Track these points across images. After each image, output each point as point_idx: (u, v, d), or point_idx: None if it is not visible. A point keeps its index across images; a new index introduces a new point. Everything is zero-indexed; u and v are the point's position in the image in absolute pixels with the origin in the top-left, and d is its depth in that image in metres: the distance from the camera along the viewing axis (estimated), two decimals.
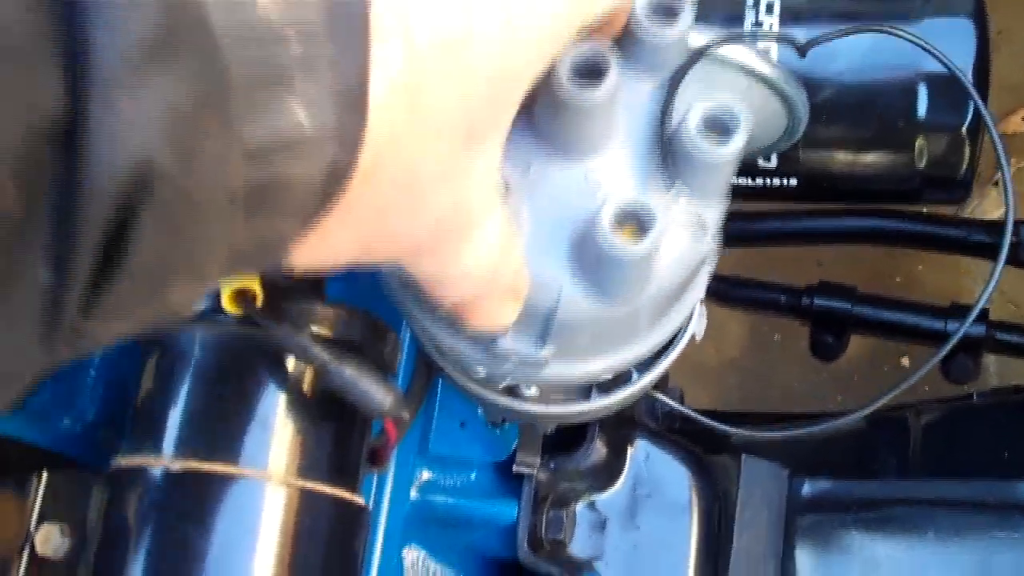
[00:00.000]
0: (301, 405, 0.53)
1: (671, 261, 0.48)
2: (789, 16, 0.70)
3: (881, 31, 0.66)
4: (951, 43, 0.70)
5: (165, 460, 0.52)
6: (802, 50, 0.59)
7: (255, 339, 0.52)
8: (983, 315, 0.93)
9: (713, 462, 0.75)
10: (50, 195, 0.26)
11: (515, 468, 0.69)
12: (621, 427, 0.74)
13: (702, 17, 0.69)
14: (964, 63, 0.70)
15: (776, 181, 0.75)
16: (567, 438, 0.72)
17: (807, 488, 0.75)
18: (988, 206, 1.61)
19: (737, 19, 0.70)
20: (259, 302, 0.50)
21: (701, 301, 0.57)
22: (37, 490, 0.55)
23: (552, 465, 0.72)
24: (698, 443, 0.76)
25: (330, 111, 0.30)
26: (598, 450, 0.73)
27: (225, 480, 0.51)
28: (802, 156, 0.73)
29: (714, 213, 0.48)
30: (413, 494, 0.71)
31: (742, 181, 0.75)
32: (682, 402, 0.79)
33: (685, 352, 0.57)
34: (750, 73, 0.57)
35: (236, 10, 0.28)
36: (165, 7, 0.26)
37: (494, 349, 0.49)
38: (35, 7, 0.24)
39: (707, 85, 0.54)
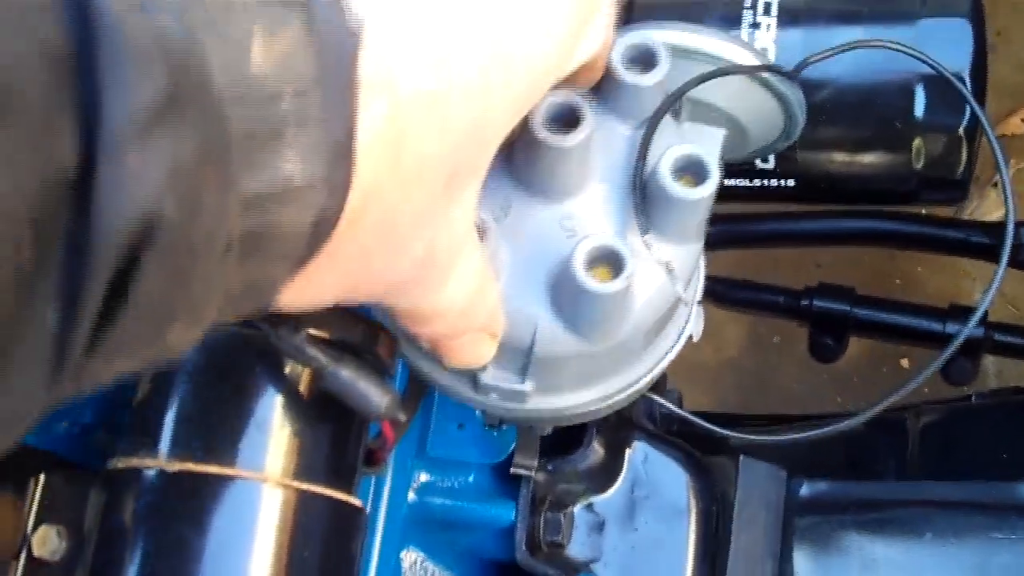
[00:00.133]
0: (298, 407, 0.53)
1: (647, 300, 0.49)
2: (787, 16, 0.70)
3: (872, 47, 0.66)
4: (948, 44, 0.70)
5: (162, 462, 0.52)
6: (792, 74, 0.60)
7: (251, 340, 0.52)
8: (982, 317, 0.94)
9: (711, 463, 0.75)
10: (60, 243, 0.27)
11: (513, 470, 0.69)
12: (619, 429, 0.74)
13: (699, 17, 0.69)
14: (961, 64, 0.70)
15: (774, 182, 0.75)
16: (565, 440, 0.72)
17: (805, 489, 0.75)
18: (987, 208, 1.61)
19: (735, 19, 0.70)
20: None
21: (699, 302, 0.57)
22: (34, 492, 0.55)
23: (550, 467, 0.72)
24: (696, 444, 0.76)
25: (320, 162, 0.32)
26: (596, 452, 0.73)
27: (222, 482, 0.51)
28: (799, 157, 0.73)
29: (688, 254, 0.50)
30: (411, 496, 0.71)
31: (739, 182, 0.75)
32: (680, 404, 0.79)
33: (683, 354, 0.57)
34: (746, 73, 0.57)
35: (234, 70, 0.30)
36: (172, 69, 0.28)
37: (477, 382, 0.51)
38: (51, 67, 0.26)
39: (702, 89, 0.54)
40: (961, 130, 0.71)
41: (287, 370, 0.53)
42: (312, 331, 0.50)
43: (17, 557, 0.54)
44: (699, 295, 0.57)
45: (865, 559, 0.73)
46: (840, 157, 0.73)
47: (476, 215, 0.44)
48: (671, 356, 0.56)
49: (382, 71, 0.34)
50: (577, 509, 0.72)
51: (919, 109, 0.70)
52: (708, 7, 0.71)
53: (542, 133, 0.46)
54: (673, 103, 0.51)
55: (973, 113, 0.69)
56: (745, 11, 0.70)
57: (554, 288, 0.48)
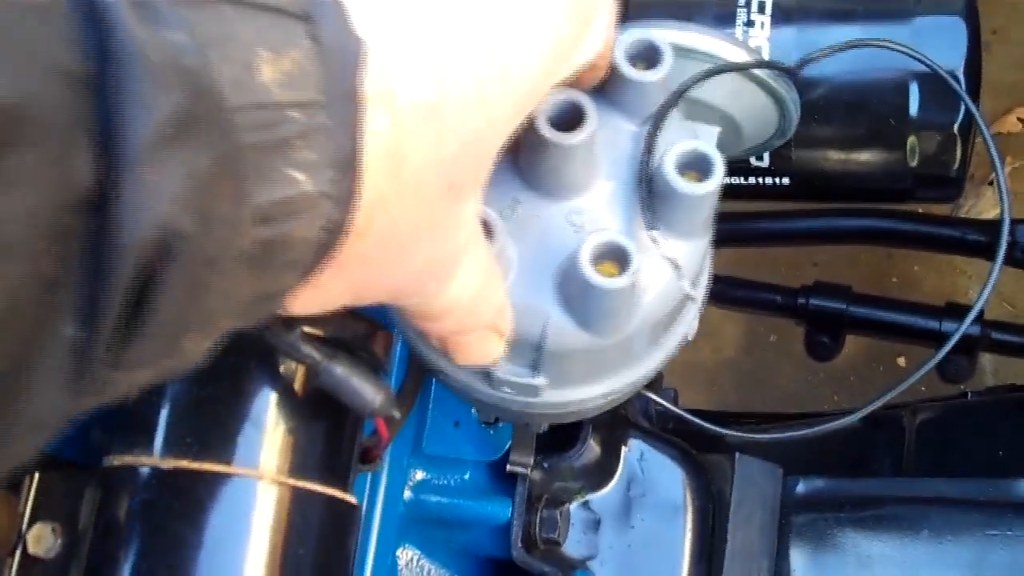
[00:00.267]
0: (292, 404, 0.53)
1: (655, 295, 0.50)
2: (781, 15, 0.70)
3: (872, 46, 0.66)
4: (942, 41, 0.70)
5: (156, 459, 0.52)
6: (793, 71, 0.60)
7: (245, 338, 0.52)
8: (978, 315, 0.94)
9: (707, 461, 0.75)
10: (80, 258, 0.28)
11: (509, 468, 0.69)
12: (615, 426, 0.74)
13: (694, 15, 0.69)
14: (955, 61, 0.70)
15: (769, 180, 0.75)
16: (561, 438, 0.72)
17: (801, 487, 0.75)
18: (984, 206, 1.61)
19: (729, 17, 0.70)
20: None
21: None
22: (29, 490, 0.55)
23: (546, 465, 0.72)
24: (692, 442, 0.76)
25: (326, 174, 0.33)
26: (592, 449, 0.73)
27: (216, 479, 0.51)
28: (795, 155, 0.73)
29: (695, 249, 0.50)
30: (407, 494, 0.71)
31: (735, 180, 0.75)
32: (676, 402, 0.79)
33: (680, 353, 0.57)
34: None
35: (245, 89, 0.31)
36: (187, 86, 0.29)
37: (491, 377, 0.51)
38: (69, 87, 0.27)
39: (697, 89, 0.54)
40: (955, 128, 0.71)
41: (282, 367, 0.53)
42: (306, 328, 0.50)
43: (12, 554, 0.54)
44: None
45: (861, 556, 0.73)
46: (835, 155, 0.74)
47: (483, 213, 0.45)
48: (673, 352, 0.56)
49: (382, 84, 0.35)
50: (573, 507, 0.72)
51: (914, 107, 0.70)
52: (703, 5, 0.71)
53: (547, 132, 0.46)
54: (678, 99, 0.51)
55: (968, 111, 0.69)
56: (739, 9, 0.71)
57: (562, 284, 0.48)
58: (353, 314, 0.54)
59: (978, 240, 0.96)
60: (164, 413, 0.53)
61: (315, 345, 0.50)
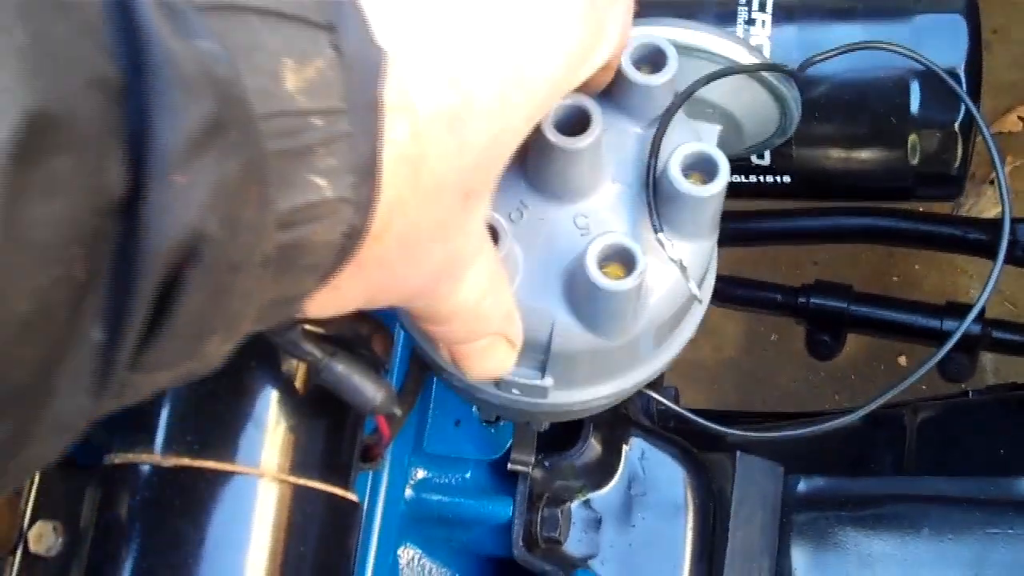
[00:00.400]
0: (293, 402, 0.53)
1: (661, 296, 0.50)
2: (782, 13, 0.70)
3: (875, 48, 0.66)
4: (943, 40, 0.70)
5: (157, 457, 0.52)
6: (797, 73, 0.60)
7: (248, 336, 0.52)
8: (979, 314, 0.94)
9: (708, 460, 0.75)
10: (109, 262, 0.29)
11: (510, 466, 0.69)
12: (616, 425, 0.74)
13: (695, 13, 0.69)
14: (956, 60, 0.70)
15: (770, 178, 0.75)
16: (562, 436, 0.72)
17: (802, 485, 0.75)
18: (984, 205, 1.61)
19: (730, 16, 0.70)
20: None
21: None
22: (30, 488, 0.55)
23: (547, 463, 0.72)
24: (693, 441, 0.76)
25: (347, 180, 0.34)
26: (593, 448, 0.73)
27: (217, 477, 0.51)
28: (795, 153, 0.73)
29: (701, 251, 0.51)
30: (408, 493, 0.71)
31: (736, 178, 0.75)
32: (677, 401, 0.79)
33: (681, 352, 0.57)
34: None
35: (271, 97, 0.32)
36: (217, 94, 0.30)
37: (500, 379, 0.52)
38: (102, 95, 0.28)
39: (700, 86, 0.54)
40: (956, 126, 0.71)
41: (282, 365, 0.53)
42: (307, 326, 0.50)
43: (13, 553, 0.54)
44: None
45: (862, 555, 0.73)
46: (836, 153, 0.73)
47: (490, 218, 0.46)
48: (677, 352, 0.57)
49: (403, 93, 0.36)
50: (574, 505, 0.72)
51: (914, 105, 0.70)
52: (704, 3, 0.71)
53: (553, 136, 0.47)
54: (683, 102, 0.51)
55: (968, 109, 0.69)
56: (740, 7, 0.70)
57: (569, 286, 0.49)
58: (355, 313, 0.54)
59: (979, 239, 0.96)
60: (165, 411, 0.53)
61: (316, 343, 0.50)
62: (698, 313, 0.56)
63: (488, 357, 0.47)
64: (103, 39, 0.28)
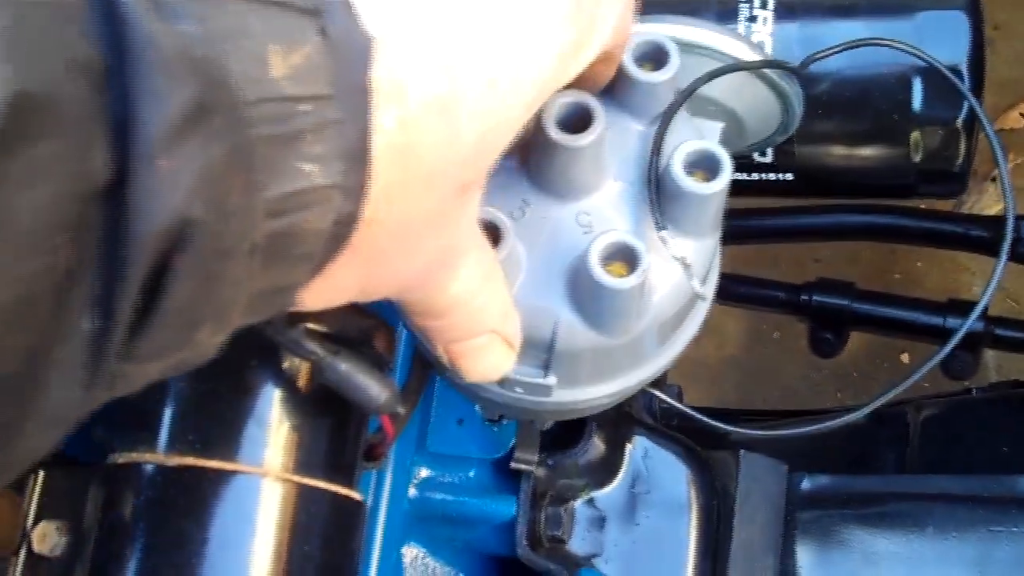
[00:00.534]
0: (296, 401, 0.53)
1: (664, 294, 0.50)
2: (784, 10, 0.70)
3: (878, 44, 0.66)
4: (945, 36, 0.70)
5: (161, 456, 0.52)
6: (799, 70, 0.60)
7: (249, 334, 0.52)
8: (982, 311, 0.94)
9: (712, 458, 0.75)
10: (96, 250, 0.28)
11: (513, 465, 0.69)
12: (619, 424, 0.74)
13: (696, 10, 0.69)
14: (958, 56, 0.70)
15: (772, 176, 0.75)
16: (565, 435, 0.72)
17: (806, 483, 0.75)
18: (987, 202, 1.61)
19: (732, 13, 0.70)
20: None
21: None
22: (33, 488, 0.55)
23: (550, 462, 0.72)
24: (696, 439, 0.76)
25: (337, 167, 0.34)
26: (596, 447, 0.73)
27: (221, 476, 0.51)
28: (798, 150, 0.73)
29: (704, 248, 0.51)
30: (411, 492, 0.71)
31: (738, 176, 0.74)
32: (680, 399, 0.79)
33: (683, 350, 0.57)
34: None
35: (257, 82, 0.31)
36: (200, 78, 0.29)
37: (503, 377, 0.52)
38: (85, 80, 0.27)
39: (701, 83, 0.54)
40: (959, 123, 0.71)
41: (285, 364, 0.53)
42: (310, 325, 0.50)
43: (17, 553, 0.54)
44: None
45: (866, 553, 0.73)
46: (838, 150, 0.73)
47: (492, 216, 0.46)
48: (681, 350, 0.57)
49: (392, 80, 0.35)
50: (578, 504, 0.72)
51: (917, 102, 0.70)
52: (706, 1, 0.71)
53: (555, 134, 0.47)
54: (686, 99, 0.51)
55: (971, 106, 0.69)
56: (742, 5, 0.70)
57: (572, 284, 0.49)
58: (357, 310, 0.54)
59: (981, 236, 0.96)
60: (168, 410, 0.53)
61: (319, 341, 0.50)
62: (701, 311, 0.56)
63: (485, 357, 0.47)
64: (87, 23, 0.28)
